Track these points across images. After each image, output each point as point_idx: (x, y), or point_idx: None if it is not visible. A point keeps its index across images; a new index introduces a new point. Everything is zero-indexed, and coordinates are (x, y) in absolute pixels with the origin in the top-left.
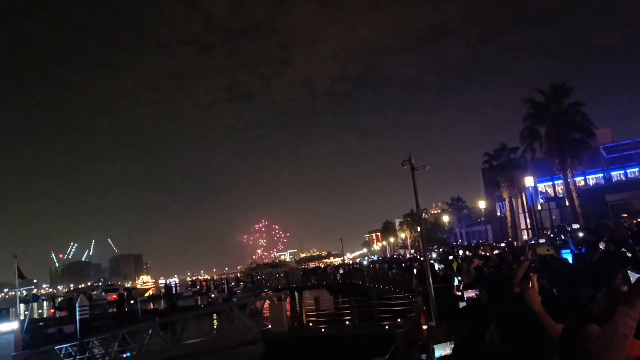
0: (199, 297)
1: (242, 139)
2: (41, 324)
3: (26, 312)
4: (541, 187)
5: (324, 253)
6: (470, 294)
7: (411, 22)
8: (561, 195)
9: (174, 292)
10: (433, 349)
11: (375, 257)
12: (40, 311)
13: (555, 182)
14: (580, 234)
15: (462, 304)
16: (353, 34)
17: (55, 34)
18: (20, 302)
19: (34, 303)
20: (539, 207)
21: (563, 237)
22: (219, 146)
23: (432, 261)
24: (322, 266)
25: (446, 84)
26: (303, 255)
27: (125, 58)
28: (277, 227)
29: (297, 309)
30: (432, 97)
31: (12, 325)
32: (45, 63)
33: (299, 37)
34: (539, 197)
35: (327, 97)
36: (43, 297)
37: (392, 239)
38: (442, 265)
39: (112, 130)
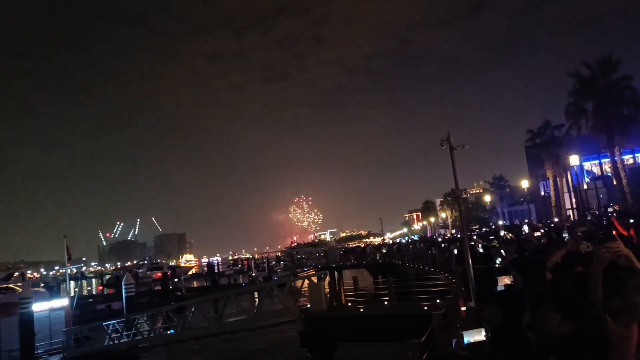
0: (240, 276)
1: (278, 119)
2: (90, 300)
3: (75, 289)
4: (587, 165)
5: (363, 232)
6: (505, 280)
7: None
8: (608, 174)
9: (216, 270)
10: (462, 335)
11: (415, 237)
12: (89, 288)
13: (602, 161)
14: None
15: (499, 288)
16: (388, 10)
17: (93, 18)
18: (70, 280)
19: (82, 280)
20: (585, 187)
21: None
22: (256, 125)
23: (471, 242)
24: (362, 246)
25: (485, 58)
26: (343, 234)
27: (163, 41)
28: (310, 201)
29: (336, 288)
30: (471, 72)
31: (63, 302)
32: (87, 48)
33: (333, 15)
34: (585, 176)
35: (362, 75)
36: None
37: (432, 219)
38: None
39: (151, 112)
